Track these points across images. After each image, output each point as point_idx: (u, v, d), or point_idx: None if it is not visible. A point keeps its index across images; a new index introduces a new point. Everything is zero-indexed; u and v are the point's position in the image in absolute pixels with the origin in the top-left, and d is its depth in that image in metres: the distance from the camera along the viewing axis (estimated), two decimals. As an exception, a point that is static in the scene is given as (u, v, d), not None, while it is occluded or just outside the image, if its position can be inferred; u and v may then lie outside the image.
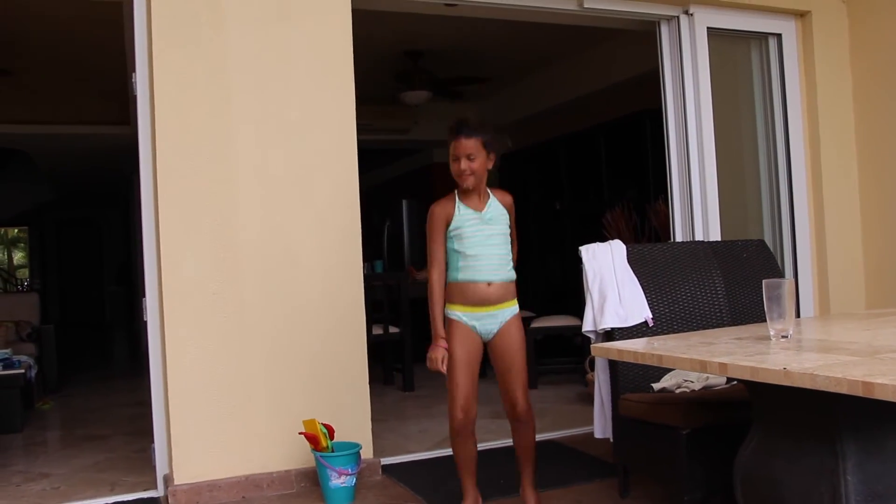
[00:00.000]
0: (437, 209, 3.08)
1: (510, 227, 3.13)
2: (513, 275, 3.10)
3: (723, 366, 2.05)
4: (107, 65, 6.54)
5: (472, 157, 2.97)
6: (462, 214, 3.05)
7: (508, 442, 4.36)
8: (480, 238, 3.03)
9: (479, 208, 3.06)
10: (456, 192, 3.09)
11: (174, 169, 3.64)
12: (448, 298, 3.08)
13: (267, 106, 3.80)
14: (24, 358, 5.90)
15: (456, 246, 3.05)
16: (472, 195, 3.07)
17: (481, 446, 4.15)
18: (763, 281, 2.34)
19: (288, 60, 3.85)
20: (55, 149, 9.59)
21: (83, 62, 6.95)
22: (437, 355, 3.03)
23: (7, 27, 6.09)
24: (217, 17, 3.72)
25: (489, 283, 3.03)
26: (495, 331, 3.07)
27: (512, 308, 3.08)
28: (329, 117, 3.93)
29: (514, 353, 3.06)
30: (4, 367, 5.35)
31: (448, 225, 3.06)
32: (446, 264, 3.08)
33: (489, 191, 3.10)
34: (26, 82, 7.55)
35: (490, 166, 3.04)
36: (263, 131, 3.79)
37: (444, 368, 3.03)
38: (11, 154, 10.10)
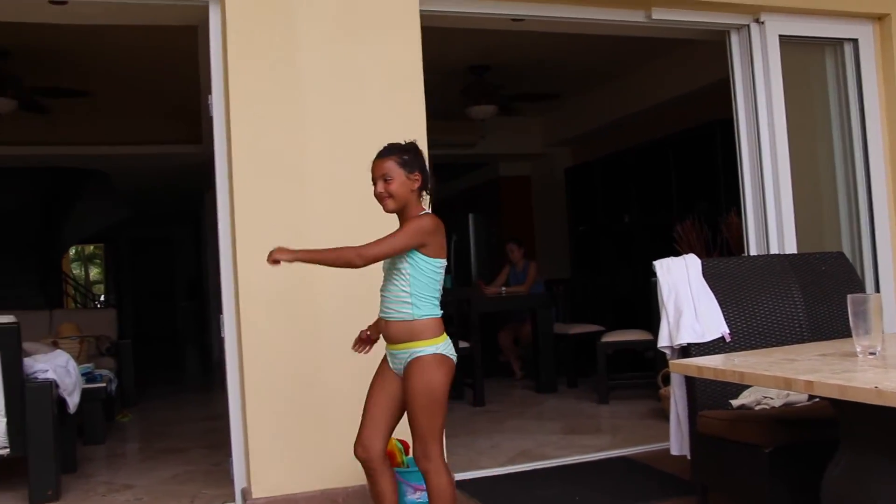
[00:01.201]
0: None
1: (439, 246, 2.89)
2: (412, 314, 2.76)
3: (809, 384, 2.00)
4: (178, 87, 6.74)
5: (387, 177, 2.81)
6: None
7: (580, 458, 4.33)
8: (385, 273, 2.89)
9: None
10: None
11: (250, 187, 3.72)
12: None
13: (339, 123, 3.86)
14: (104, 372, 6.07)
15: None
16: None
17: (550, 463, 4.11)
18: (848, 296, 2.28)
19: (360, 78, 3.90)
20: (130, 168, 9.91)
21: (156, 85, 7.18)
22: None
23: (85, 53, 6.32)
24: (290, 38, 3.79)
25: (386, 322, 2.81)
26: (401, 371, 2.80)
27: (413, 350, 2.74)
28: (400, 134, 3.92)
29: (410, 400, 2.74)
30: (88, 381, 5.50)
31: None
32: None
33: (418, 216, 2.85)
34: (103, 106, 7.82)
35: (415, 187, 2.83)
36: (336, 149, 3.85)
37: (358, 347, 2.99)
38: (90, 175, 10.47)
